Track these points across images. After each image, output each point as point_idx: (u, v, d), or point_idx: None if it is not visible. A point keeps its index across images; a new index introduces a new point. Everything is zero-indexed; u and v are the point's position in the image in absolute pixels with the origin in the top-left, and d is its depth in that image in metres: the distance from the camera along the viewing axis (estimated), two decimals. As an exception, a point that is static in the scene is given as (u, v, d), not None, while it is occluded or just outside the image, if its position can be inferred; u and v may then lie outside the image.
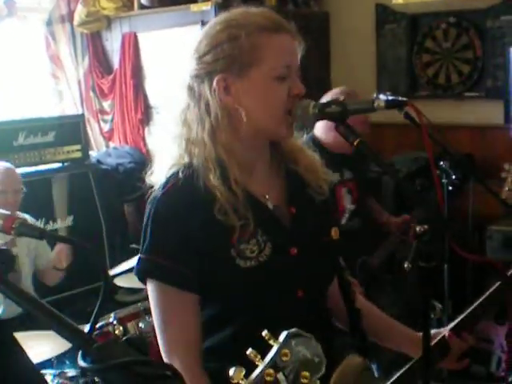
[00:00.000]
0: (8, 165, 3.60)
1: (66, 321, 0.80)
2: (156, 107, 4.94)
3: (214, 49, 1.53)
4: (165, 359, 1.54)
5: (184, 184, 1.54)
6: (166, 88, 4.78)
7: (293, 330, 0.99)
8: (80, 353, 0.77)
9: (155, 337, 1.61)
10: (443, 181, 3.53)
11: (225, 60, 1.52)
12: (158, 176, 1.61)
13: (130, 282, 3.36)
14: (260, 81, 1.52)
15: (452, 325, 1.78)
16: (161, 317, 1.55)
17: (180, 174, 1.56)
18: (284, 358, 0.96)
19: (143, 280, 1.57)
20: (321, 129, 3.26)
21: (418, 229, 1.42)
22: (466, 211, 4.20)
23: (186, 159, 1.58)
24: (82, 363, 0.75)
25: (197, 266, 1.51)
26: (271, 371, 0.93)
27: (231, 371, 0.92)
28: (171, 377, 0.79)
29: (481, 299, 1.84)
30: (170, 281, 1.52)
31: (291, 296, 1.58)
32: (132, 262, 3.34)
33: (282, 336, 0.99)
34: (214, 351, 1.59)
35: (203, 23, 4.39)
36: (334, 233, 1.68)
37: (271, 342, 0.98)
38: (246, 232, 1.52)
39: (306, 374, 0.95)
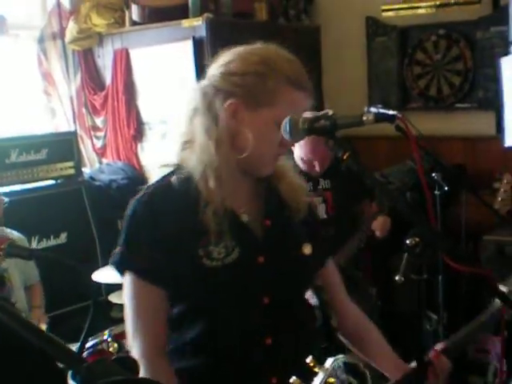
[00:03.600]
0: None
1: (55, 340, 0.80)
2: (148, 123, 4.94)
3: (241, 75, 1.64)
4: (129, 342, 1.65)
5: (171, 184, 1.66)
6: (158, 104, 4.79)
7: (339, 356, 0.99)
8: (70, 372, 0.77)
9: None
10: (436, 192, 3.53)
11: (246, 90, 1.63)
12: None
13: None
14: (265, 120, 1.64)
15: (439, 347, 1.80)
16: (131, 307, 1.64)
17: (171, 173, 1.69)
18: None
19: (119, 271, 1.67)
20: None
21: (409, 241, 1.43)
22: (460, 222, 4.20)
23: (181, 160, 1.70)
24: (71, 383, 0.75)
25: (166, 263, 1.61)
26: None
27: None
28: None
29: (472, 327, 1.88)
30: (141, 274, 1.62)
31: (256, 302, 1.66)
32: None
33: (328, 363, 0.98)
34: (181, 350, 1.68)
35: (194, 39, 4.40)
36: (306, 249, 1.75)
37: (316, 369, 0.98)
38: (218, 236, 1.61)
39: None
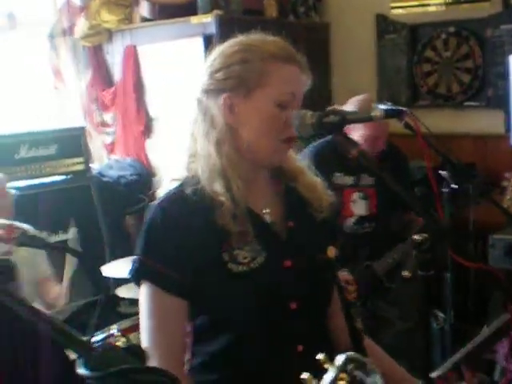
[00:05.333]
0: None
1: (67, 330, 0.81)
2: (157, 119, 4.95)
3: (226, 68, 1.60)
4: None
5: (185, 193, 1.60)
6: (167, 100, 4.80)
7: (350, 353, 0.99)
8: (80, 361, 0.78)
9: None
10: (444, 190, 3.52)
11: (234, 80, 1.59)
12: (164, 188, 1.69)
13: (133, 293, 3.36)
14: (262, 104, 1.59)
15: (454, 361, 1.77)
16: (148, 318, 1.59)
17: (183, 184, 1.63)
18: (341, 383, 0.95)
19: (136, 280, 1.62)
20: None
21: (417, 237, 1.43)
22: (468, 220, 4.19)
23: (191, 172, 1.65)
24: (82, 371, 0.76)
25: (189, 272, 1.55)
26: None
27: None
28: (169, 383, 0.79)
29: (486, 335, 1.86)
30: (160, 284, 1.57)
31: (283, 307, 1.60)
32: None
33: (339, 360, 0.98)
34: (205, 362, 1.62)
35: (204, 35, 4.41)
36: (330, 252, 1.70)
37: (327, 365, 0.97)
38: (242, 239, 1.56)
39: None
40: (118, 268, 3.58)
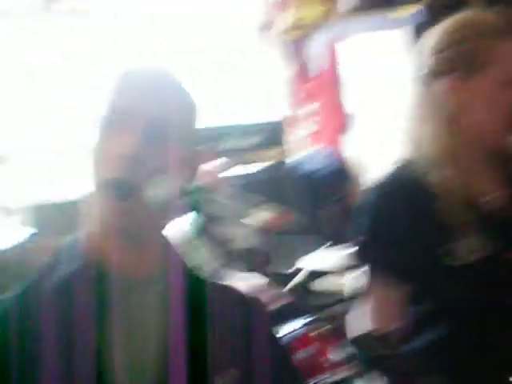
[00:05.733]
0: None
1: None
2: (357, 113, 4.93)
3: (450, 47, 1.55)
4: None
5: (405, 178, 1.56)
6: (367, 94, 4.77)
7: None
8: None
9: None
10: None
11: (460, 60, 1.53)
12: (374, 173, 1.67)
13: (329, 285, 3.37)
14: (490, 84, 1.51)
15: None
16: (369, 300, 1.60)
17: (402, 168, 1.60)
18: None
19: (360, 263, 1.63)
20: None
21: None
22: None
23: (411, 154, 1.60)
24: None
25: (407, 259, 1.52)
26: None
27: None
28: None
29: None
30: (382, 268, 1.56)
31: (500, 303, 1.53)
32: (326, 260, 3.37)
33: None
34: (417, 353, 1.58)
35: (410, 26, 4.30)
36: None
37: None
38: (465, 230, 1.49)
39: None
40: (313, 260, 3.61)
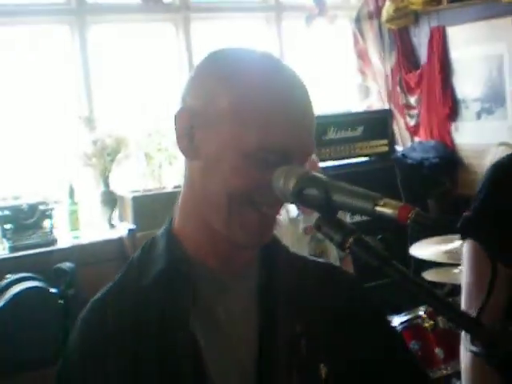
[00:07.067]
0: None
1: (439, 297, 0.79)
2: (465, 102, 4.82)
3: None
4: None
5: None
6: (475, 82, 4.67)
7: None
8: (468, 336, 0.78)
9: None
10: None
11: None
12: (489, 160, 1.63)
13: (439, 276, 3.32)
14: None
15: None
16: (468, 278, 1.56)
17: None
18: None
19: (462, 236, 1.60)
20: None
21: None
22: None
23: None
24: (471, 347, 0.77)
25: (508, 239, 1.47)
26: None
27: None
28: None
29: None
30: (484, 245, 1.48)
31: None
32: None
33: None
34: None
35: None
36: None
37: None
38: None
39: None
40: (423, 249, 3.57)
